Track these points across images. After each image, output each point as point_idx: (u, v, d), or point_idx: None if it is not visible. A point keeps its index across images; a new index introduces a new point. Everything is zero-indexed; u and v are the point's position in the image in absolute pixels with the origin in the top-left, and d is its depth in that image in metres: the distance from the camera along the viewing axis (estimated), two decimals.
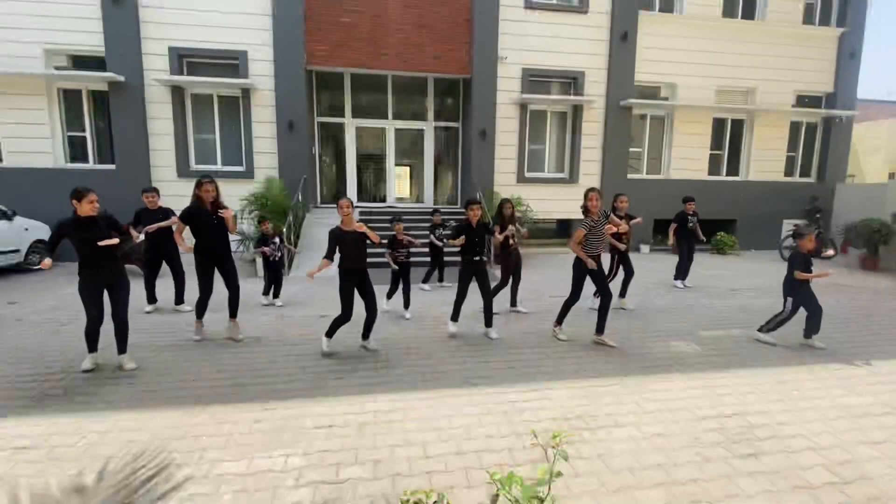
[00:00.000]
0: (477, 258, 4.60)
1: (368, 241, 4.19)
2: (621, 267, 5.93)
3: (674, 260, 7.26)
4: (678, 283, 7.13)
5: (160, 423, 3.02)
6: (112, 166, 9.19)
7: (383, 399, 3.38)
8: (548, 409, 3.27)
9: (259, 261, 5.90)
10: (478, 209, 4.60)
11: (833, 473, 2.55)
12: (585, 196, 4.44)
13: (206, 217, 4.35)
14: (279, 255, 5.82)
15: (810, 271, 4.47)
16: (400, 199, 11.82)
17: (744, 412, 3.24)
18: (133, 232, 5.34)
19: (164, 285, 5.79)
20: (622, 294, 5.98)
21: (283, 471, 2.53)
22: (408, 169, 14.42)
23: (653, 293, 6.83)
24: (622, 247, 5.74)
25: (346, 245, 4.06)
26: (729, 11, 11.30)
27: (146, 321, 5.22)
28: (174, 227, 5.47)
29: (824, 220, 11.62)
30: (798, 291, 4.52)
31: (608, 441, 2.85)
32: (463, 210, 10.35)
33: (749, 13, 11.48)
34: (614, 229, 4.38)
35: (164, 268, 5.69)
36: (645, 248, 11.08)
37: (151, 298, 5.67)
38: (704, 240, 7.11)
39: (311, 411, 3.19)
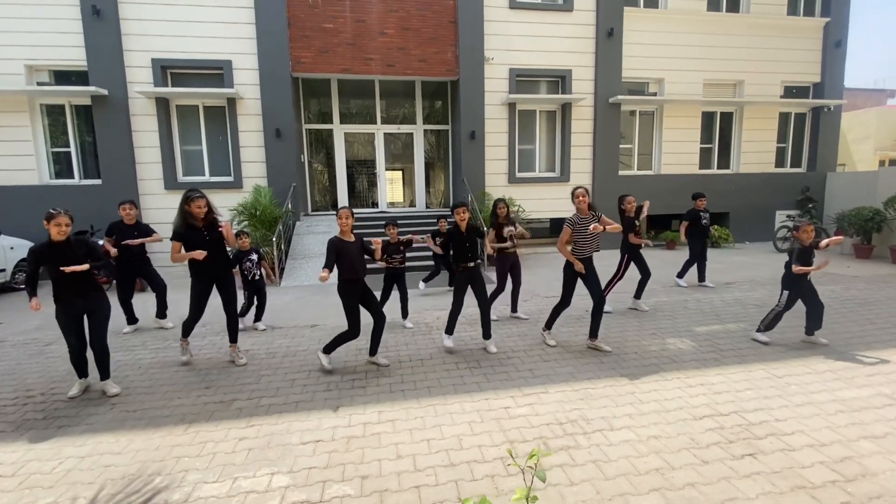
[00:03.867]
0: (471, 264, 4.37)
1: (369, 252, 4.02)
2: (633, 267, 5.79)
3: (671, 255, 7.07)
4: (681, 281, 6.96)
5: (141, 444, 2.92)
6: (98, 181, 9.08)
7: (373, 411, 3.30)
8: (541, 414, 3.19)
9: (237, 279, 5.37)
10: (465, 212, 4.34)
11: (834, 471, 2.48)
12: (572, 195, 4.33)
13: (198, 236, 3.95)
14: (258, 272, 5.25)
15: (810, 264, 4.33)
16: (392, 204, 11.73)
17: (741, 410, 3.17)
18: (109, 247, 5.14)
19: (144, 300, 5.67)
20: (637, 295, 5.84)
21: (266, 491, 2.44)
22: (400, 173, 14.38)
23: (648, 290, 6.75)
24: (644, 241, 5.73)
25: (344, 255, 3.84)
26: (713, 5, 11.32)
27: (133, 338, 5.12)
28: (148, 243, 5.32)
29: (817, 210, 11.64)
30: (797, 286, 4.36)
31: (603, 445, 2.77)
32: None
33: (733, 6, 11.51)
34: (600, 229, 4.19)
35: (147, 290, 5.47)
36: None
37: (131, 319, 5.38)
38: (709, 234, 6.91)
39: (297, 426, 3.09)
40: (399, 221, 6.13)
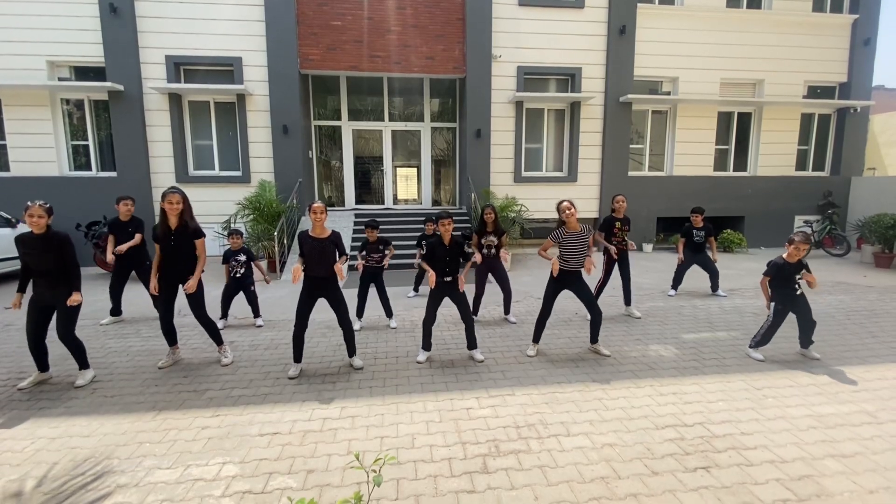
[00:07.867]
0: (448, 279, 4.12)
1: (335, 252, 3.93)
2: (615, 273, 5.64)
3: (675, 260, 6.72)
4: (671, 291, 6.69)
5: (110, 429, 3.04)
6: (113, 173, 9.42)
7: (336, 406, 3.34)
8: (502, 416, 3.17)
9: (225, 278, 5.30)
10: (449, 224, 4.11)
11: (788, 489, 2.39)
12: (558, 209, 4.13)
13: (164, 236, 3.86)
14: (242, 270, 5.23)
15: (788, 282, 4.09)
16: (398, 202, 11.79)
17: (707, 421, 3.07)
18: (108, 253, 5.24)
19: (136, 294, 5.81)
20: (627, 302, 5.65)
21: (214, 479, 2.50)
22: (411, 170, 14.42)
23: (646, 295, 6.61)
24: (612, 250, 5.40)
25: (306, 250, 3.82)
26: (733, 2, 10.92)
27: (129, 326, 5.30)
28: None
29: (839, 216, 11.13)
30: (784, 296, 4.15)
31: (555, 451, 2.74)
32: (462, 212, 10.36)
33: (755, 2, 11.08)
34: (591, 267, 4.07)
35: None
36: (648, 247, 10.78)
37: (115, 310, 5.43)
38: (716, 259, 6.45)
39: (259, 418, 3.16)
40: (402, 218, 6.03)
